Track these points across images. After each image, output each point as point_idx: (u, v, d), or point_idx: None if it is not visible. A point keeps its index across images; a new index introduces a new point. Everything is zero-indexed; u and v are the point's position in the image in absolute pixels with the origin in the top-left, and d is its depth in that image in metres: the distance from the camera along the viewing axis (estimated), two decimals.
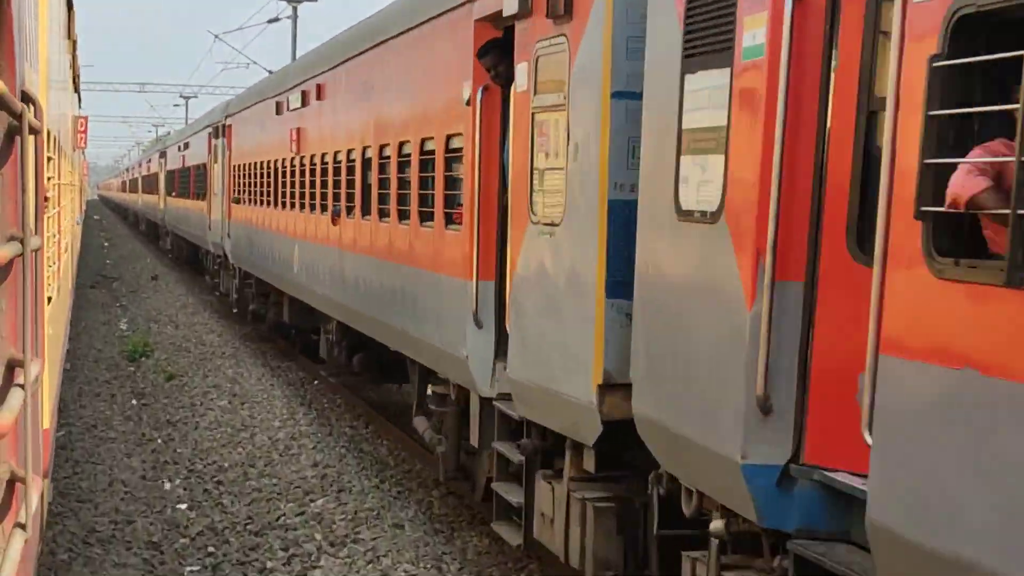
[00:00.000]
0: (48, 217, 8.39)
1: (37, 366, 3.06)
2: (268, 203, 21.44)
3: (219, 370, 21.85)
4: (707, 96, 6.25)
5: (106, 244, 60.55)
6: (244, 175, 24.74)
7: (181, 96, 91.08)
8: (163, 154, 49.63)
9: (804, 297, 5.75)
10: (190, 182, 36.92)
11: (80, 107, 27.73)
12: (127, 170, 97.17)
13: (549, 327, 8.34)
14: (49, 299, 8.67)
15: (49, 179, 9.08)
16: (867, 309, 5.06)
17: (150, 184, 60.29)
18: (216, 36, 46.79)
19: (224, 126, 27.76)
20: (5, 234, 2.87)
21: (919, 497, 4.68)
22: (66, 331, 16.33)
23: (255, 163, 23.12)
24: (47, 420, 7.89)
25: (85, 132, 22.67)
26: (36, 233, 3.25)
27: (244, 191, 24.65)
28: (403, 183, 12.39)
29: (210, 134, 30.54)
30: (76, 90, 21.80)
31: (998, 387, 4.24)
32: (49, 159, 9.07)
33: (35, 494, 2.83)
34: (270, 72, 31.29)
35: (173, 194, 43.52)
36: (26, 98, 4.15)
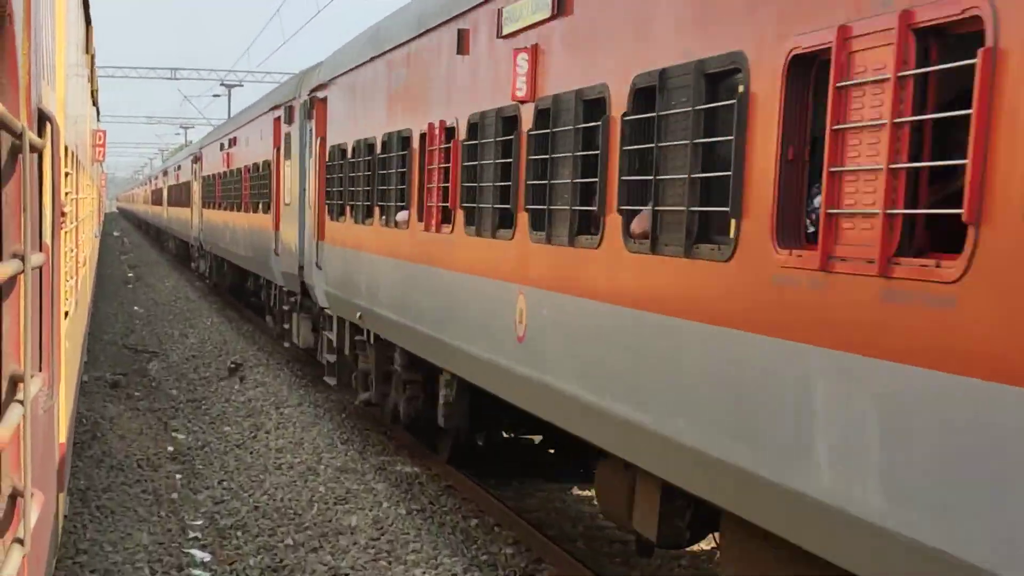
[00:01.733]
0: (65, 232, 8.46)
1: (39, 382, 3.10)
2: None
3: None
4: None
5: (130, 275, 40.19)
6: None
7: (222, 84, 70.77)
8: (284, 116, 20.94)
9: None
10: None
11: (99, 121, 27.94)
12: (164, 172, 63.47)
13: None
14: (66, 313, 8.73)
15: (67, 194, 9.14)
16: None
17: (230, 190, 28.77)
18: None
19: None
20: (10, 251, 2.92)
21: None
22: (84, 343, 16.41)
23: None
24: (63, 434, 7.94)
25: (103, 145, 22.87)
26: (40, 250, 3.28)
27: None
28: None
29: None
30: (94, 103, 21.99)
31: None
32: (67, 174, 9.14)
33: (35, 510, 2.87)
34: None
35: (370, 220, 15.04)
36: (43, 116, 4.20)
